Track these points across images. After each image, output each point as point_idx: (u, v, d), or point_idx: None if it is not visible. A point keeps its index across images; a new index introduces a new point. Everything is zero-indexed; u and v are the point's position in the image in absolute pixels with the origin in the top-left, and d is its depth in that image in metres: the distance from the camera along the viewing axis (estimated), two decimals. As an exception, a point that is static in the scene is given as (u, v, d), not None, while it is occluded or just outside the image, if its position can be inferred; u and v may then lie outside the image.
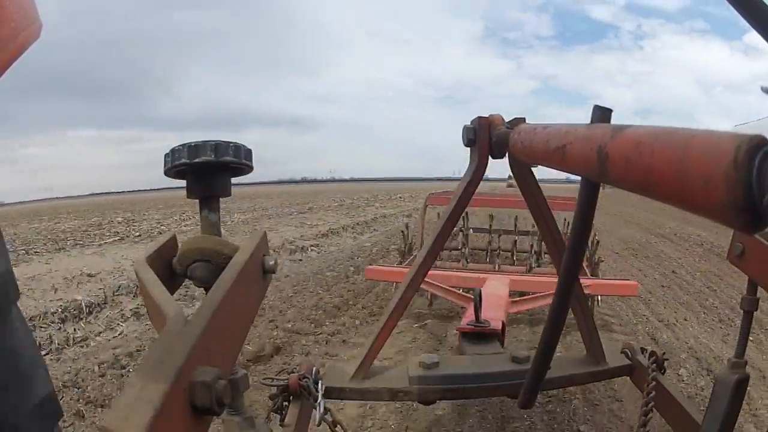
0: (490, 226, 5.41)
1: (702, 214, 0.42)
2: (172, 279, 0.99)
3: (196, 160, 0.91)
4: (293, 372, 1.59)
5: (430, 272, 4.27)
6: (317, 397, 1.47)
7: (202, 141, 0.91)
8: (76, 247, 10.55)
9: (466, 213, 4.95)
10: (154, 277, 0.84)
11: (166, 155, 0.93)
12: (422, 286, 4.12)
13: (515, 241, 5.24)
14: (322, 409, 1.42)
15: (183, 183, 0.98)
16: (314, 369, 1.62)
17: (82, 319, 4.66)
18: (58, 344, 3.92)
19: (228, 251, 0.93)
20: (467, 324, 2.06)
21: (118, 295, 5.55)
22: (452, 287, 3.61)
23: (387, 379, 1.64)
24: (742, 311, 1.44)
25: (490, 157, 1.51)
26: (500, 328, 2.08)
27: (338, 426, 1.41)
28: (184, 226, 13.88)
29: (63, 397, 2.88)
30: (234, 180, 1.01)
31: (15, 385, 0.46)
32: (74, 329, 4.35)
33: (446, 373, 1.65)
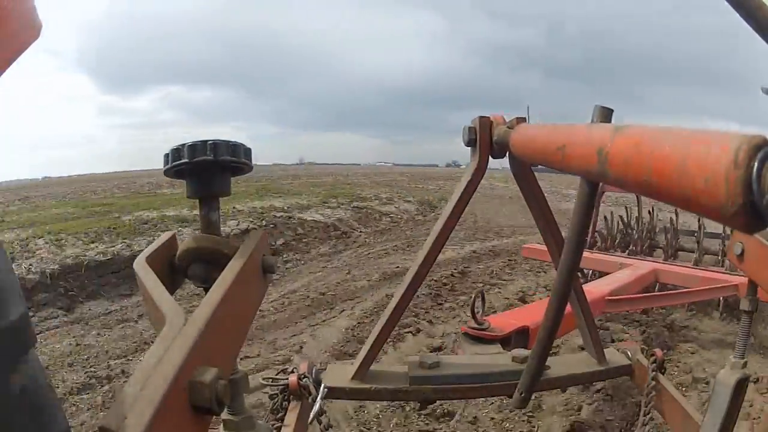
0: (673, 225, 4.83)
1: (702, 214, 0.42)
2: (171, 279, 0.99)
3: (195, 159, 0.90)
4: (293, 371, 1.59)
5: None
6: (317, 396, 1.47)
7: (201, 140, 0.91)
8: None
9: (653, 208, 5.09)
10: (153, 276, 0.84)
11: (166, 155, 0.93)
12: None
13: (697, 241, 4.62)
14: (317, 408, 1.41)
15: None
16: (314, 369, 1.62)
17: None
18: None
19: (228, 251, 0.93)
20: (468, 326, 2.05)
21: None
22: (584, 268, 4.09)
23: (387, 379, 1.64)
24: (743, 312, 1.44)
25: (490, 157, 1.51)
26: (507, 333, 2.03)
27: (329, 430, 1.41)
28: None
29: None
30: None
31: None
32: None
33: (446, 373, 1.65)
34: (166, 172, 0.95)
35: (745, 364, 1.38)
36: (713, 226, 4.76)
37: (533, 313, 2.32)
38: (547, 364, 1.54)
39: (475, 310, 2.03)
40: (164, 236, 1.02)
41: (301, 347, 3.72)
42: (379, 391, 1.61)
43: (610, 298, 3.09)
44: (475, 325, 2.02)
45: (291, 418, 1.50)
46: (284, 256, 7.28)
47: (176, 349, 0.58)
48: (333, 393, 1.56)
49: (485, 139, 1.48)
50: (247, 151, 0.98)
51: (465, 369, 1.69)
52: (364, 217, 10.51)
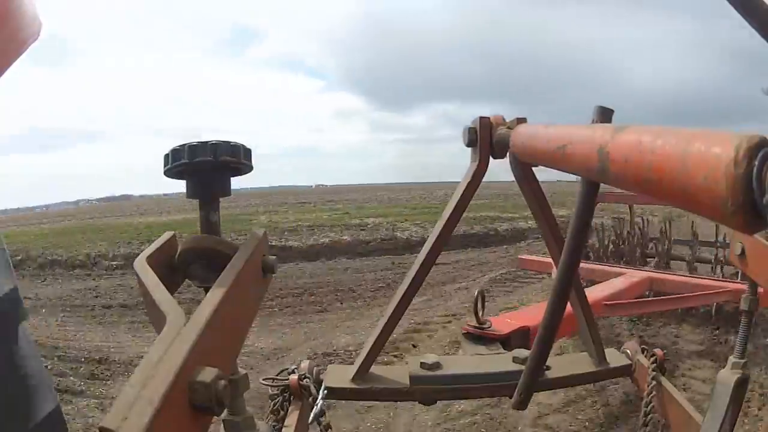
0: (667, 232, 4.88)
1: (702, 213, 0.42)
2: (172, 279, 0.98)
3: (195, 160, 0.90)
4: (294, 372, 1.59)
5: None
6: (317, 397, 1.47)
7: (201, 141, 0.91)
8: None
9: (644, 219, 5.13)
10: (153, 276, 0.83)
11: (166, 155, 0.93)
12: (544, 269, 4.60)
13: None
14: (317, 410, 1.41)
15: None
16: (315, 369, 1.61)
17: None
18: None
19: (228, 251, 0.93)
20: (469, 325, 2.06)
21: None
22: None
23: (388, 379, 1.64)
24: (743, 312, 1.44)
25: (491, 158, 1.51)
26: (507, 333, 2.04)
27: (329, 431, 1.41)
28: None
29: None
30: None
31: None
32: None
33: (447, 373, 1.65)
34: (167, 173, 0.95)
35: (745, 364, 1.38)
36: (705, 234, 4.79)
37: (535, 314, 2.32)
38: (547, 364, 1.53)
39: (477, 309, 2.03)
40: (164, 236, 1.02)
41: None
42: (380, 392, 1.61)
43: (606, 303, 3.10)
44: (477, 325, 2.03)
45: (292, 419, 1.49)
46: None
47: (176, 349, 0.58)
48: (333, 393, 1.56)
49: (485, 140, 1.48)
50: (247, 152, 0.97)
51: (465, 369, 1.69)
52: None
